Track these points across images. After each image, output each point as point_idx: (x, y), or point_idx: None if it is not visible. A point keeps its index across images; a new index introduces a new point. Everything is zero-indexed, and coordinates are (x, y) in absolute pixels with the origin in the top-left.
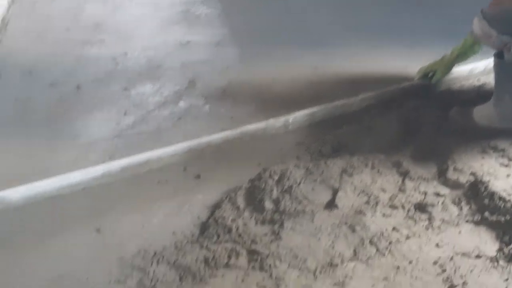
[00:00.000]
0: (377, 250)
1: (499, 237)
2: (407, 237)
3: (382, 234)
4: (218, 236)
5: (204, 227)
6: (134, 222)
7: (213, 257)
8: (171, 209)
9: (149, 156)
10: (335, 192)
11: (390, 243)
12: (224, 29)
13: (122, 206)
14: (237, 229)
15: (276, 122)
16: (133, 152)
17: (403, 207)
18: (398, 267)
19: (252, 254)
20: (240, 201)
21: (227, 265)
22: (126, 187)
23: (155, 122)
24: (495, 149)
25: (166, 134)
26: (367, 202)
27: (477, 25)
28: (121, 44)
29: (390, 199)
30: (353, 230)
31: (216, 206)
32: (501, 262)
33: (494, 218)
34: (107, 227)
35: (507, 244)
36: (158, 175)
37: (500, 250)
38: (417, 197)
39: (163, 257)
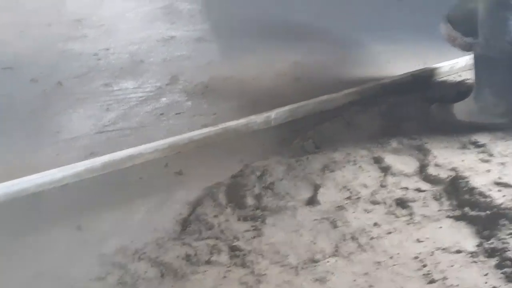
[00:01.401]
0: (359, 245)
1: (479, 232)
2: (388, 233)
3: (363, 229)
4: (200, 232)
5: (185, 224)
6: (115, 219)
7: (195, 253)
8: (152, 205)
9: (130, 152)
10: (317, 188)
11: (371, 238)
12: (206, 24)
13: (104, 203)
14: (219, 225)
15: (258, 118)
16: (115, 148)
17: (384, 202)
18: (379, 263)
19: (234, 250)
20: (222, 198)
21: (208, 262)
22: (108, 183)
23: (137, 118)
24: (476, 144)
25: (148, 130)
26: (349, 198)
27: (443, 28)
28: (104, 39)
29: (372, 194)
30: (335, 226)
31: (198, 203)
32: (481, 257)
33: (474, 213)
34: (88, 224)
35: (487, 239)
36: (140, 171)
37: (480, 245)
38: (398, 193)
39: (144, 253)
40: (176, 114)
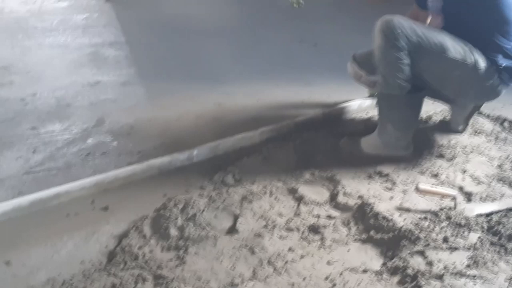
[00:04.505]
0: (274, 269)
1: (383, 253)
2: (302, 256)
3: (279, 254)
4: (125, 263)
5: (111, 256)
6: (44, 254)
7: (120, 283)
8: (79, 239)
9: (57, 191)
10: (236, 218)
11: (286, 262)
12: (131, 69)
13: (32, 239)
14: (144, 256)
15: (181, 155)
16: (43, 188)
17: (298, 229)
18: (293, 284)
19: (158, 278)
20: (147, 230)
21: None
22: (36, 220)
23: (64, 159)
24: (380, 174)
25: (75, 170)
26: (265, 226)
27: (350, 67)
28: (31, 85)
29: (286, 222)
30: (253, 252)
31: (123, 235)
32: (385, 275)
33: (378, 236)
34: (17, 259)
35: (390, 259)
36: (67, 208)
37: (384, 264)
38: (311, 220)
39: (71, 285)
40: (102, 154)
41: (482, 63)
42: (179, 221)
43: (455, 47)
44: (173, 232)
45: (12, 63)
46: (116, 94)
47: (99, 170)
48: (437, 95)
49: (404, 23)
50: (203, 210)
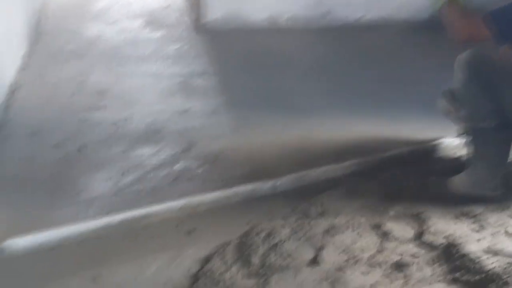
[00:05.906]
0: None
1: None
2: None
3: None
4: None
5: (193, 280)
6: (128, 273)
7: None
8: (163, 262)
9: (144, 212)
10: (317, 250)
11: None
12: (219, 99)
13: (118, 258)
14: (225, 282)
15: (265, 184)
16: (130, 209)
17: (380, 266)
18: None
19: None
20: (229, 256)
21: None
22: (123, 240)
23: (151, 182)
24: (468, 215)
25: (161, 193)
26: (347, 261)
27: (440, 103)
28: (123, 110)
29: (369, 258)
30: (333, 286)
31: (206, 260)
32: None
33: (464, 278)
34: (102, 276)
35: None
36: (153, 230)
37: None
38: (394, 258)
39: None
40: (188, 179)
41: None
42: (261, 250)
43: None
44: (255, 260)
45: (107, 89)
46: (203, 123)
47: (185, 195)
48: None
49: (485, 57)
50: (285, 240)
